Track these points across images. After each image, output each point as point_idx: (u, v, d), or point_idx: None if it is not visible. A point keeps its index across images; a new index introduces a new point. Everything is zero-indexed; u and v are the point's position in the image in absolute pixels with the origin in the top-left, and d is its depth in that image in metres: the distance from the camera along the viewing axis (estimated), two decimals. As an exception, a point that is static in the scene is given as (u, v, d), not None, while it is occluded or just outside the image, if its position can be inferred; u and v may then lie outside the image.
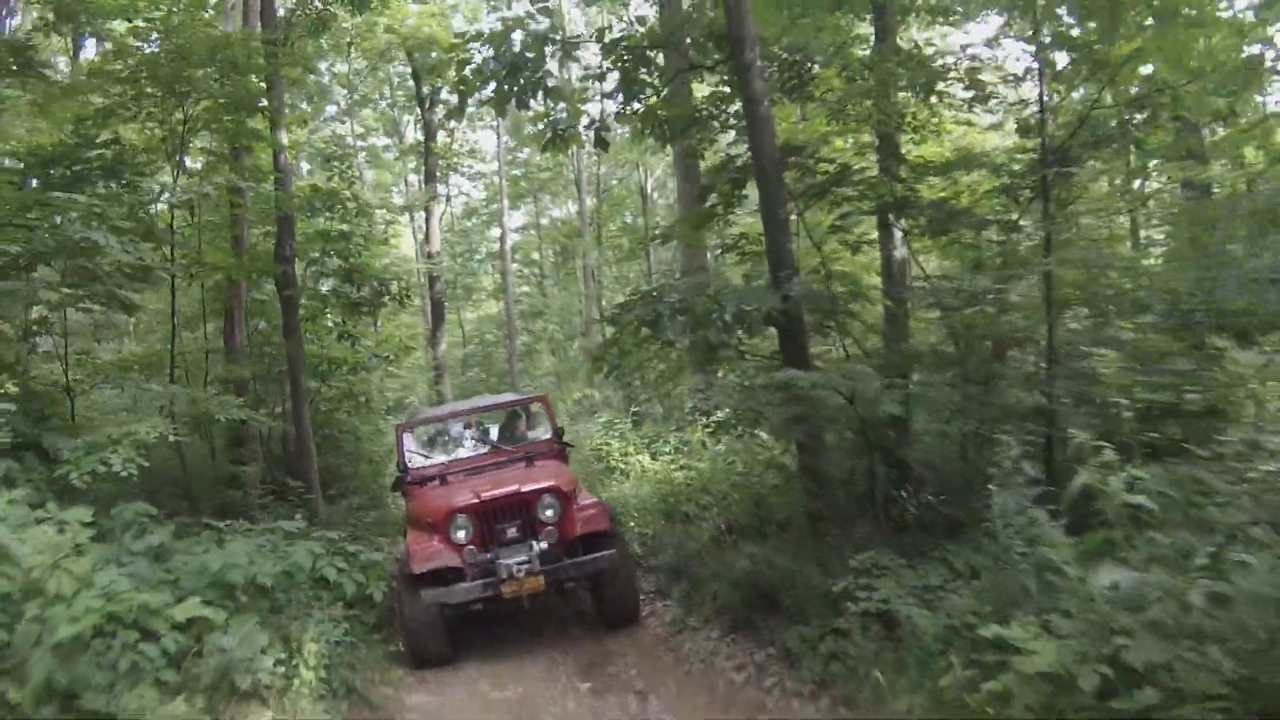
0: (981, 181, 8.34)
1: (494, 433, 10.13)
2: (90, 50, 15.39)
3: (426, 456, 9.23)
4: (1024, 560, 3.60)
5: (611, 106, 8.77)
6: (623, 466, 12.16)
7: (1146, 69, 7.60)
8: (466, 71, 7.38)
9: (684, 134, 8.60)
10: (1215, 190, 10.35)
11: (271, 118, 9.73)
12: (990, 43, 8.43)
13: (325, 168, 13.84)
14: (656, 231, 17.34)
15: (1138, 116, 6.98)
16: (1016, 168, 7.38)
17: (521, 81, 7.17)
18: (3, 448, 5.77)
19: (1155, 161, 11.25)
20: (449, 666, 7.23)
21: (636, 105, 8.19)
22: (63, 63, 15.88)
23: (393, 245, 20.47)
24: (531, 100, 7.54)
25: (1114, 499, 3.06)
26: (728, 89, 8.03)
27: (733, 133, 8.68)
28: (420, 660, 7.31)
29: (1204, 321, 5.20)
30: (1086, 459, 3.29)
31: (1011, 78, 7.86)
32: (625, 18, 9.20)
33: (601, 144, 8.21)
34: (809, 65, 7.58)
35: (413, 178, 33.14)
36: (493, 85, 7.52)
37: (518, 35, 7.19)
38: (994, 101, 8.19)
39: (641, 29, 8.20)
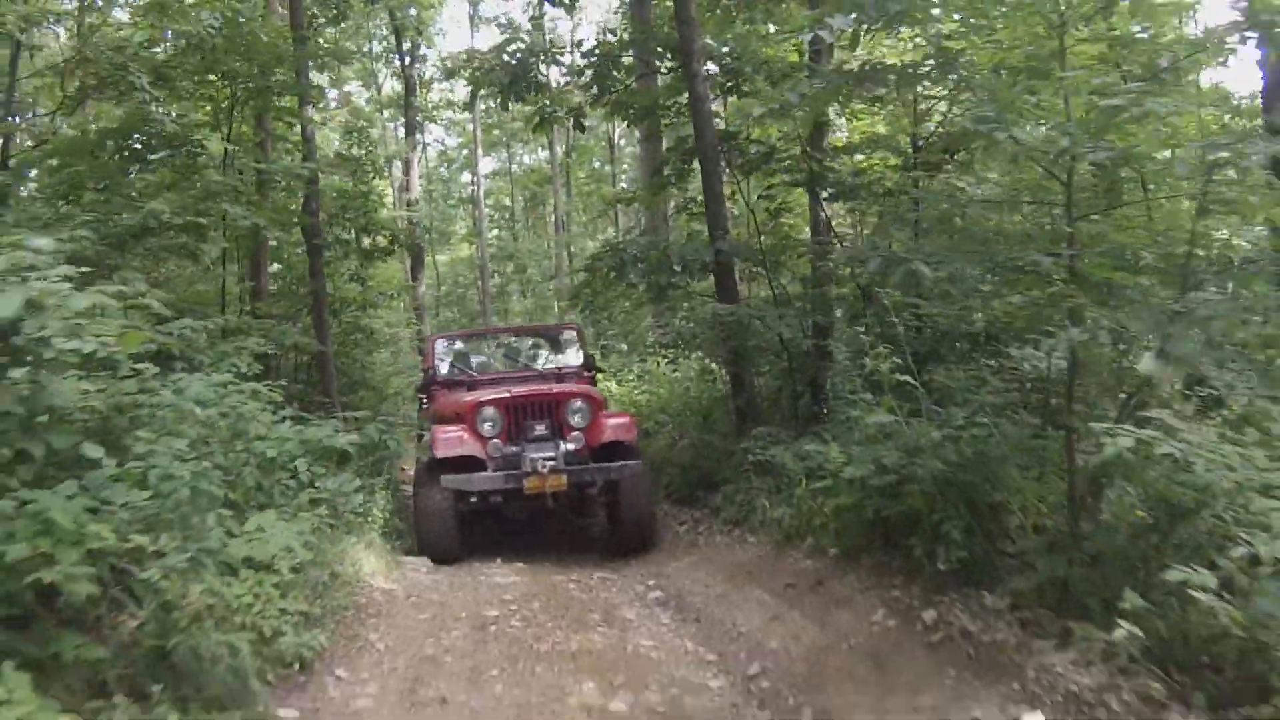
0: (887, 158, 10.52)
1: (525, 356, 10.09)
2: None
3: (457, 367, 9.35)
4: (849, 420, 5.93)
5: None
6: (592, 392, 14.32)
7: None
8: (477, 75, 9.51)
9: (646, 119, 10.73)
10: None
11: (299, 97, 11.66)
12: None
13: (345, 139, 15.80)
14: (622, 196, 19.40)
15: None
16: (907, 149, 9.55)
17: (519, 83, 9.31)
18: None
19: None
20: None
21: (608, 96, 10.31)
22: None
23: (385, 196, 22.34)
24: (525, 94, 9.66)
25: (886, 379, 5.28)
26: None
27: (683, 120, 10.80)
28: (431, 554, 7.26)
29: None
30: (879, 360, 5.49)
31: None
32: (600, 26, 11.10)
33: (580, 127, 10.36)
34: (744, 72, 9.66)
35: (390, 126, 34.84)
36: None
37: (513, 47, 9.31)
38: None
39: (613, 38, 10.35)
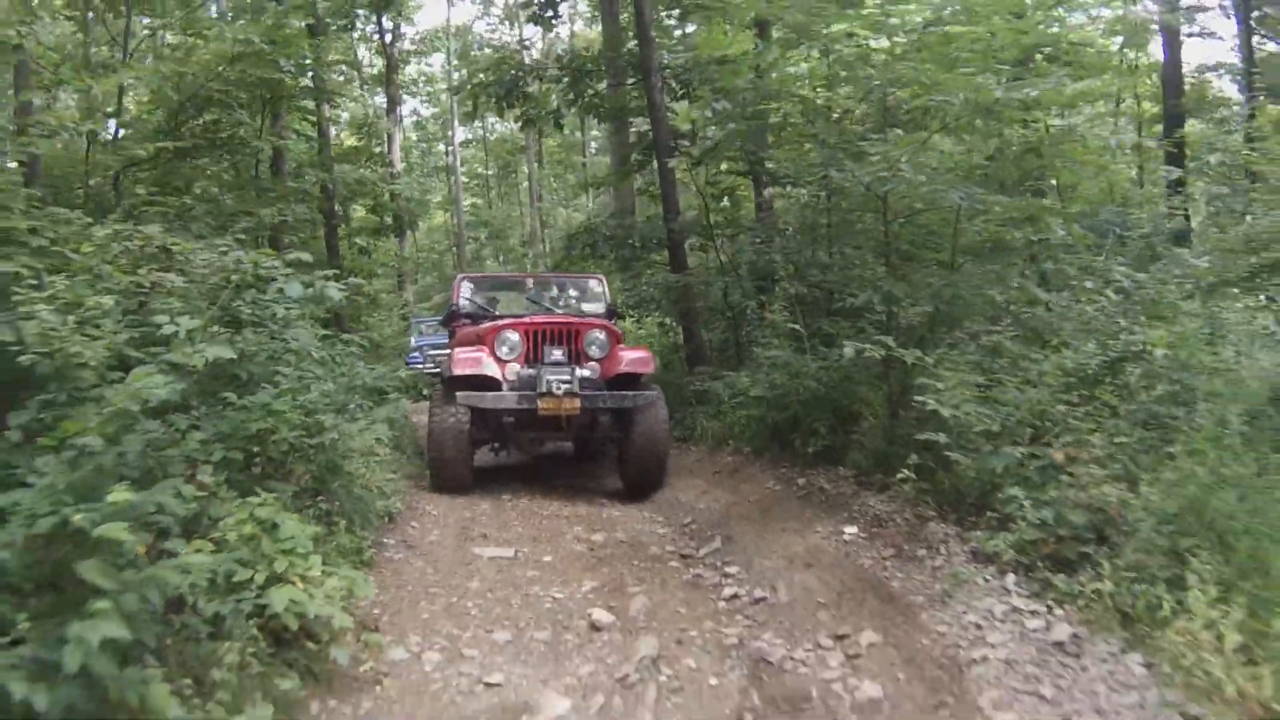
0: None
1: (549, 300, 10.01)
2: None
3: (481, 306, 9.44)
4: (757, 357, 8.24)
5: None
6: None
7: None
8: (477, 91, 11.66)
9: (614, 117, 12.88)
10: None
11: (316, 96, 13.68)
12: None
13: (358, 134, 17.84)
14: (594, 180, 21.46)
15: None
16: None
17: (511, 95, 11.47)
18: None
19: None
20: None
21: (581, 101, 12.47)
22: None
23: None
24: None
25: (781, 328, 7.55)
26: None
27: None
28: (441, 478, 7.55)
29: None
30: (775, 314, 7.75)
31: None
32: (572, 40, 13.03)
33: (558, 126, 12.50)
34: (693, 81, 11.81)
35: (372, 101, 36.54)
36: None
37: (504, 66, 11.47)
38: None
39: (587, 52, 12.50)
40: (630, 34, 12.46)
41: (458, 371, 7.54)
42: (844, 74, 6.77)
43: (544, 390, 7.41)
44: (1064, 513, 4.49)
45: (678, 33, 16.12)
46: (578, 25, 29.57)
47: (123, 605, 2.58)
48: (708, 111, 9.72)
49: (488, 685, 3.97)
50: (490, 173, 43.43)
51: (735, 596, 5.10)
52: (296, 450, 5.14)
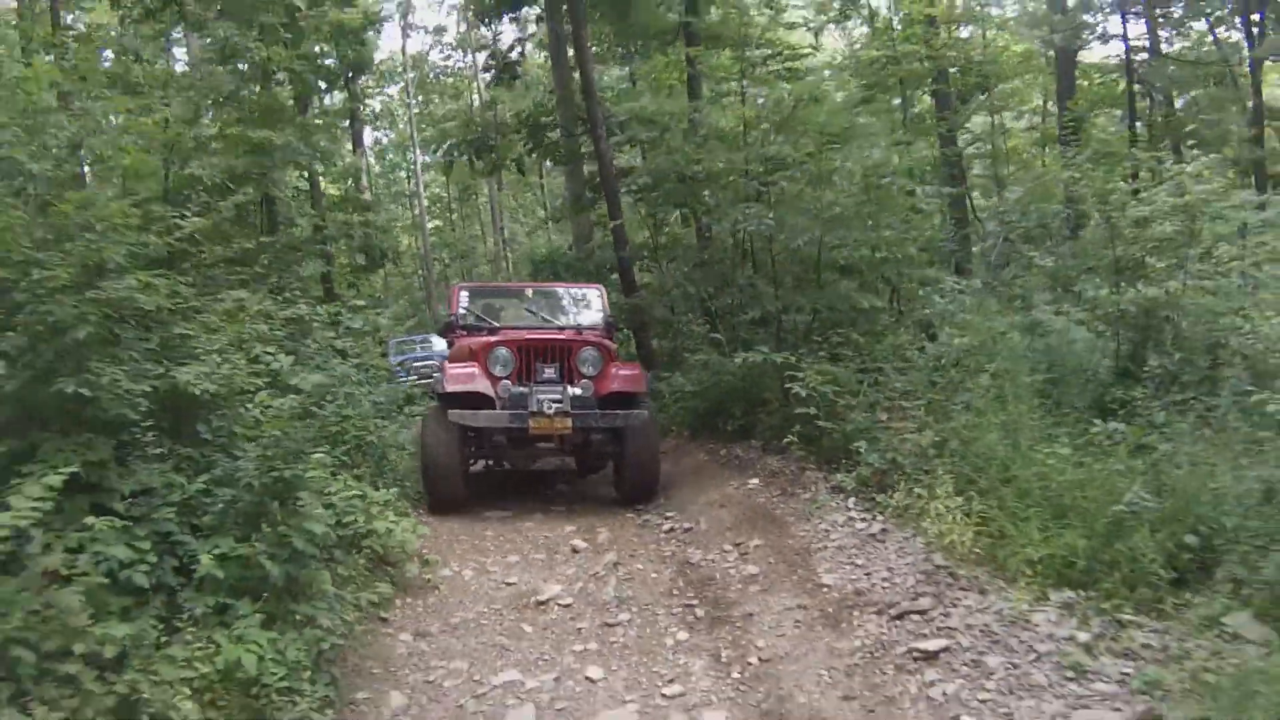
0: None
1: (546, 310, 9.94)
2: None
3: (479, 316, 9.29)
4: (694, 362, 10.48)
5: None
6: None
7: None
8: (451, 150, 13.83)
9: (569, 161, 15.11)
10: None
11: (309, 160, 15.72)
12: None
13: (343, 185, 19.91)
14: (554, 215, 23.67)
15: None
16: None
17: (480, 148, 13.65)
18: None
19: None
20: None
21: (539, 149, 14.69)
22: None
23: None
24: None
25: (704, 337, 9.77)
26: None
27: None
28: (435, 496, 7.70)
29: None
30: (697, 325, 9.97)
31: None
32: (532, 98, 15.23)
33: (521, 171, 14.69)
34: (634, 129, 14.05)
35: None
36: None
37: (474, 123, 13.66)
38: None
39: (544, 108, 14.74)
40: (579, 92, 14.70)
41: (450, 388, 7.63)
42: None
43: (535, 409, 7.48)
44: (886, 455, 6.73)
45: (618, 72, 18.54)
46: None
47: (316, 520, 4.73)
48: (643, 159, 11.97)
49: (507, 584, 6.15)
50: (451, 195, 45.39)
51: (671, 530, 7.34)
52: (361, 444, 7.28)
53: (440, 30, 42.15)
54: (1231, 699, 3.67)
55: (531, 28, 16.54)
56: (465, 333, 8.93)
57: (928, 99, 20.79)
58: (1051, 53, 20.79)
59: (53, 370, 4.47)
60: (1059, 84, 20.54)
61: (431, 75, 41.31)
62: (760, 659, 4.79)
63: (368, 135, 41.00)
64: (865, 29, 22.35)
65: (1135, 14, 20.65)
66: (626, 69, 16.98)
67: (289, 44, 13.33)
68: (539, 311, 9.62)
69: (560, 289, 10.65)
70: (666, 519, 7.68)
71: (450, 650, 5.15)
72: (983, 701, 3.99)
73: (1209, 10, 19.07)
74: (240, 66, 12.89)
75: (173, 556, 4.47)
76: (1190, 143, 21.30)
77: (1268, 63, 18.46)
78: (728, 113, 12.34)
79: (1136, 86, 20.48)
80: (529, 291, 10.45)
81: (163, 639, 3.97)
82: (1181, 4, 19.79)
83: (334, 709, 4.27)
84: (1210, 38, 19.76)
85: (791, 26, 17.18)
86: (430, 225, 42.77)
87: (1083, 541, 4.95)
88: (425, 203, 41.75)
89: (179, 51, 17.40)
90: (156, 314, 5.35)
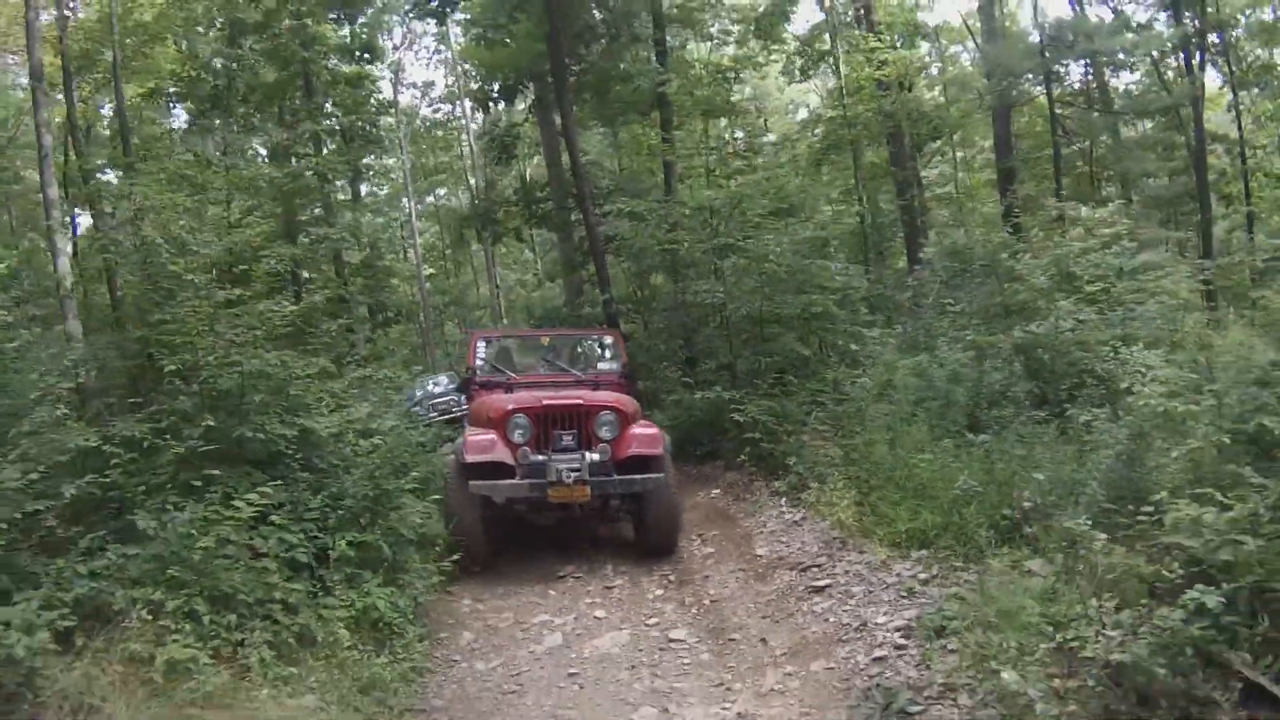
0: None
1: (564, 359, 10.23)
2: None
3: (496, 368, 9.47)
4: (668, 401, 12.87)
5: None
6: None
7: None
8: (462, 223, 16.26)
9: (561, 229, 17.57)
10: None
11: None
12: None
13: (360, 246, 22.26)
14: (550, 274, 26.05)
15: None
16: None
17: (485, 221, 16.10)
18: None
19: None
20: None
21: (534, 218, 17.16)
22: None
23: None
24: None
25: (676, 377, 12.14)
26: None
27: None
28: (466, 557, 7.61)
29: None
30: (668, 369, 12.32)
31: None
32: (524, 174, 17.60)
33: (519, 238, 17.14)
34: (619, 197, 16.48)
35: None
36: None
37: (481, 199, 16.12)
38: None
39: (535, 183, 17.23)
40: (568, 170, 17.18)
41: (470, 458, 7.75)
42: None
43: (554, 479, 7.62)
44: (810, 466, 9.08)
45: (600, 135, 21.04)
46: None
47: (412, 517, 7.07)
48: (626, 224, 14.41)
49: (536, 566, 8.46)
50: (444, 243, 47.61)
51: (653, 528, 9.65)
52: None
53: (429, 85, 44.68)
54: (1001, 604, 6.00)
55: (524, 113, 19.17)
56: (483, 390, 9.23)
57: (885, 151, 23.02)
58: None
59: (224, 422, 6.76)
60: (995, 136, 23.09)
61: (423, 128, 43.73)
62: (711, 600, 7.15)
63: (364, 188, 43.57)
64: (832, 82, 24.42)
65: (1065, 65, 23.36)
66: (610, 129, 19.44)
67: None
68: (556, 360, 10.02)
69: (578, 335, 11.14)
70: (649, 521, 10.01)
71: (500, 608, 7.46)
72: (845, 610, 6.32)
73: (1146, 51, 21.33)
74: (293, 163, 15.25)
75: (311, 545, 6.76)
76: (1112, 187, 24.02)
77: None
78: (694, 193, 14.72)
79: (1060, 134, 23.12)
80: (545, 340, 10.83)
81: (318, 595, 6.24)
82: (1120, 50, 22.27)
83: (428, 641, 6.57)
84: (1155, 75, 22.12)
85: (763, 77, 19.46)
86: (427, 272, 45.03)
87: (934, 517, 7.27)
88: (421, 250, 44.05)
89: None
90: (285, 379, 7.68)
